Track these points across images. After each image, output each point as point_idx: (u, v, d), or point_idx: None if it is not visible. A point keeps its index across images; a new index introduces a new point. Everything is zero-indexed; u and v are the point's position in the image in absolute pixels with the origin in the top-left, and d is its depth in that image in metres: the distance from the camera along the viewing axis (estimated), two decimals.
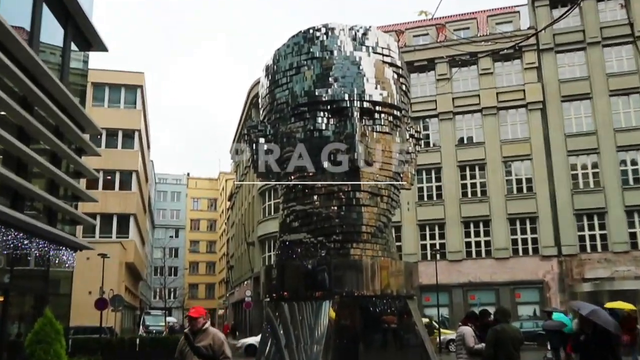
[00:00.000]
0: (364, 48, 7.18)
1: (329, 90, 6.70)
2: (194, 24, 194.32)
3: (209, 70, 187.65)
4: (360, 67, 6.87)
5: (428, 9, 6.73)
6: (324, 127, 6.71)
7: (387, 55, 7.33)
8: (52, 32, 21.59)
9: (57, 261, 21.68)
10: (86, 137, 24.68)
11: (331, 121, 6.74)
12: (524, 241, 36.27)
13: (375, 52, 7.20)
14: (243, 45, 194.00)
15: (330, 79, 6.78)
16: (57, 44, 22.43)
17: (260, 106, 7.98)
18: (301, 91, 6.90)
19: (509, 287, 35.58)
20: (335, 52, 7.03)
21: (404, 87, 7.41)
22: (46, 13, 20.44)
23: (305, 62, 7.09)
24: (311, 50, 7.13)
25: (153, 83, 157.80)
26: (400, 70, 7.40)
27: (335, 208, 6.66)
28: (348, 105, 6.65)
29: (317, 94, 6.73)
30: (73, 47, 23.65)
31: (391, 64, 7.29)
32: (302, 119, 6.87)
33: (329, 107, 6.76)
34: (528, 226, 36.36)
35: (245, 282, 50.79)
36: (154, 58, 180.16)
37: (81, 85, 26.53)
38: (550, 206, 35.85)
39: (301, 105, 6.88)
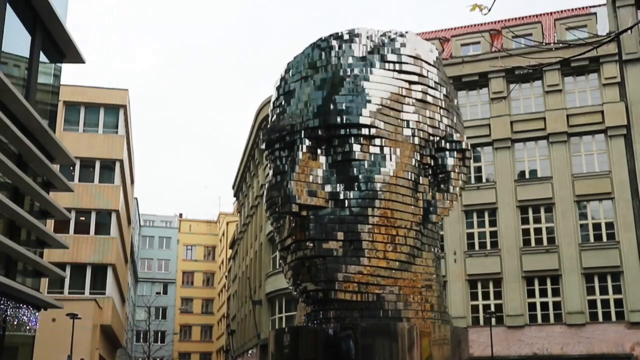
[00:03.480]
0: (386, 60, 7.14)
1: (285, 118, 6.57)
2: (195, 30, 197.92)
3: (210, 87, 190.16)
4: (368, 85, 6.82)
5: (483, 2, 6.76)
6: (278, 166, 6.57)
7: (412, 74, 7.28)
8: (16, 38, 21.95)
9: (15, 323, 21.66)
10: (56, 168, 24.93)
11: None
12: (605, 303, 35.63)
13: (399, 71, 7.16)
14: (255, 52, 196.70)
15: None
16: (22, 54, 22.79)
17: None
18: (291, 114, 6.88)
19: None
20: (341, 67, 7.01)
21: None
22: (10, 15, 20.71)
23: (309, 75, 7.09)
24: (317, 62, 7.13)
25: (137, 101, 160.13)
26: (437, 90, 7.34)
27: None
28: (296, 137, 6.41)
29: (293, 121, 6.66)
30: (42, 57, 24.03)
31: (418, 81, 7.25)
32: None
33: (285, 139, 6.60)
34: (610, 284, 35.77)
35: (250, 351, 50.42)
36: (139, 72, 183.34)
37: (51, 105, 26.93)
38: (638, 258, 35.33)
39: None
